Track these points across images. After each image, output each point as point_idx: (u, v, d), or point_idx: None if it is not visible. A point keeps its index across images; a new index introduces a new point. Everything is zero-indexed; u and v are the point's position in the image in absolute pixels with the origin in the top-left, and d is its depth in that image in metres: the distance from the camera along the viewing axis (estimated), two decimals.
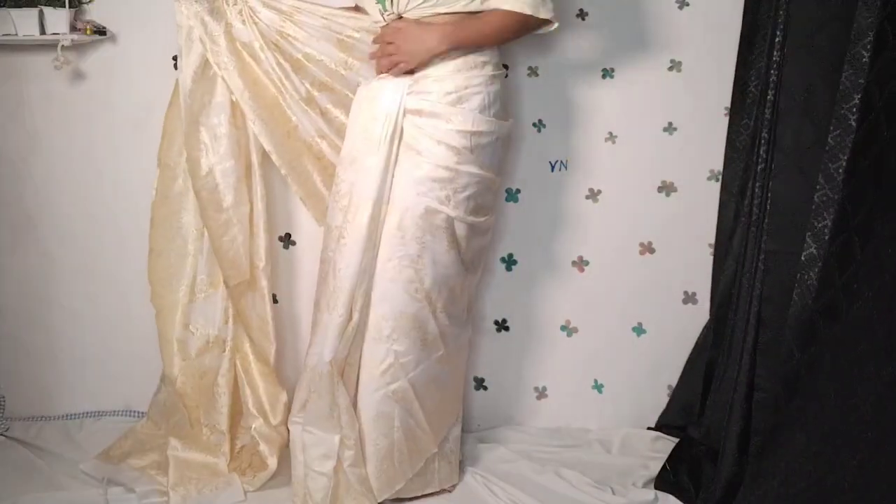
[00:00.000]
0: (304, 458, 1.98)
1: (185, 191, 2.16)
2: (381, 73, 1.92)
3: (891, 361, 1.70)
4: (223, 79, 2.06)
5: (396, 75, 1.89)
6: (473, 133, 1.86)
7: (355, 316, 1.91)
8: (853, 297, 1.71)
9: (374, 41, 1.96)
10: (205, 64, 2.05)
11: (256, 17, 2.05)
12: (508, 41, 1.93)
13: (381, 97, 1.89)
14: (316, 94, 2.10)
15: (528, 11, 1.82)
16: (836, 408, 1.75)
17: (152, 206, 2.18)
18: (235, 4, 2.05)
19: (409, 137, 1.87)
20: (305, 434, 1.97)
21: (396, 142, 1.87)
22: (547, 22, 1.86)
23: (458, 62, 1.86)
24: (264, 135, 2.09)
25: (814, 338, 1.74)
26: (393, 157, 1.87)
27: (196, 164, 2.08)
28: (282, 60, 2.06)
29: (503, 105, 1.93)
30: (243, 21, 2.05)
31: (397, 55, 1.87)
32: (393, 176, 1.88)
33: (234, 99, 2.07)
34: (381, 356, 1.93)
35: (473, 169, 1.87)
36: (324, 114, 2.11)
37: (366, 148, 1.90)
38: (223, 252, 2.12)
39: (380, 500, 2.00)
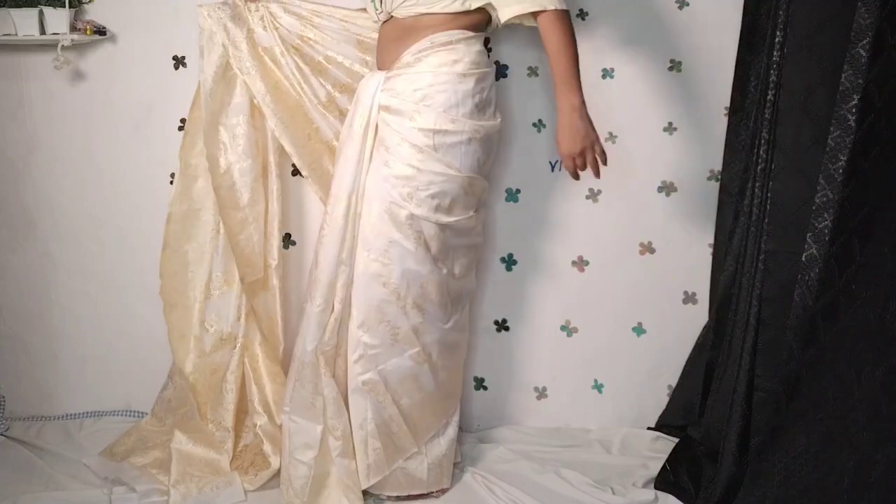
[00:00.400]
0: (289, 446, 1.99)
1: (207, 190, 2.17)
2: (596, 175, 1.87)
3: (885, 361, 1.70)
4: (245, 83, 2.07)
5: (600, 165, 1.84)
6: (437, 132, 1.84)
7: (337, 307, 1.92)
8: (852, 298, 1.71)
9: (567, 167, 1.87)
10: (225, 65, 2.07)
11: (277, 22, 2.07)
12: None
13: (364, 91, 1.92)
14: (337, 95, 2.12)
15: (549, 7, 1.76)
16: (835, 409, 1.75)
17: (170, 202, 2.19)
18: (257, 10, 2.07)
19: (381, 133, 1.88)
20: (290, 423, 1.98)
21: (371, 136, 1.89)
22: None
23: (431, 60, 1.85)
24: (285, 137, 2.11)
25: (815, 338, 1.74)
26: (367, 151, 1.89)
27: (215, 162, 2.10)
28: (301, 64, 2.08)
29: (480, 105, 1.90)
30: (264, 27, 2.07)
31: (588, 150, 1.82)
32: (367, 171, 1.90)
33: (255, 102, 2.09)
34: (353, 346, 1.95)
35: (438, 168, 1.86)
36: (343, 114, 2.11)
37: (346, 139, 1.93)
38: (240, 249, 2.13)
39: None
